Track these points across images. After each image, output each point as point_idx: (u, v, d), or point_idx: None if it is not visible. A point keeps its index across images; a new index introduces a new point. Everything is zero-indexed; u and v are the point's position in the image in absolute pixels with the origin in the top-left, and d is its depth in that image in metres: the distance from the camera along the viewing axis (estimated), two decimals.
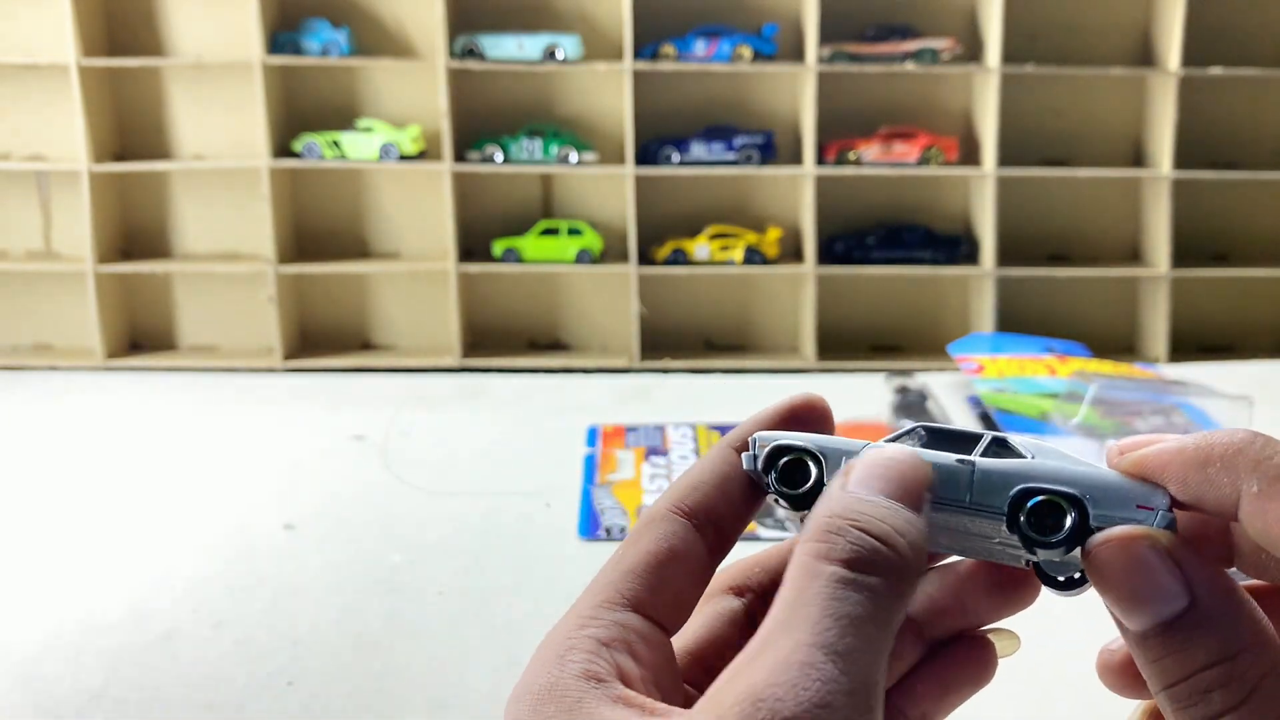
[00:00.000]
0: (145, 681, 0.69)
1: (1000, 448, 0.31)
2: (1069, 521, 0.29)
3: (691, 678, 0.31)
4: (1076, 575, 0.30)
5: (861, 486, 0.28)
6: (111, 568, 0.83)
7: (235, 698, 0.67)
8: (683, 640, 0.31)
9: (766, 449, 0.32)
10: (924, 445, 0.32)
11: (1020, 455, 0.31)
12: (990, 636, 0.33)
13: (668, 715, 0.25)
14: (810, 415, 0.33)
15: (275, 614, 0.76)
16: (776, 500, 0.32)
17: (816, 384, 1.56)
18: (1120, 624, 0.28)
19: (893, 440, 0.32)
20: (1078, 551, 0.29)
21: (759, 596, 0.33)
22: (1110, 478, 0.30)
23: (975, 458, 0.30)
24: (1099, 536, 0.28)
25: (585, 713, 0.26)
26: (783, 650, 0.24)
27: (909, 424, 0.34)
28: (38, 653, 0.72)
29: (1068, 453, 0.31)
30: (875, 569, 0.26)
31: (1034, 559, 0.30)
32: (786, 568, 0.27)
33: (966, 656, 0.33)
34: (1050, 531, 0.29)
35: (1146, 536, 0.28)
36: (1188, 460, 0.29)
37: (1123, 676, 0.31)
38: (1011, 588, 0.33)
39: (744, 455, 0.33)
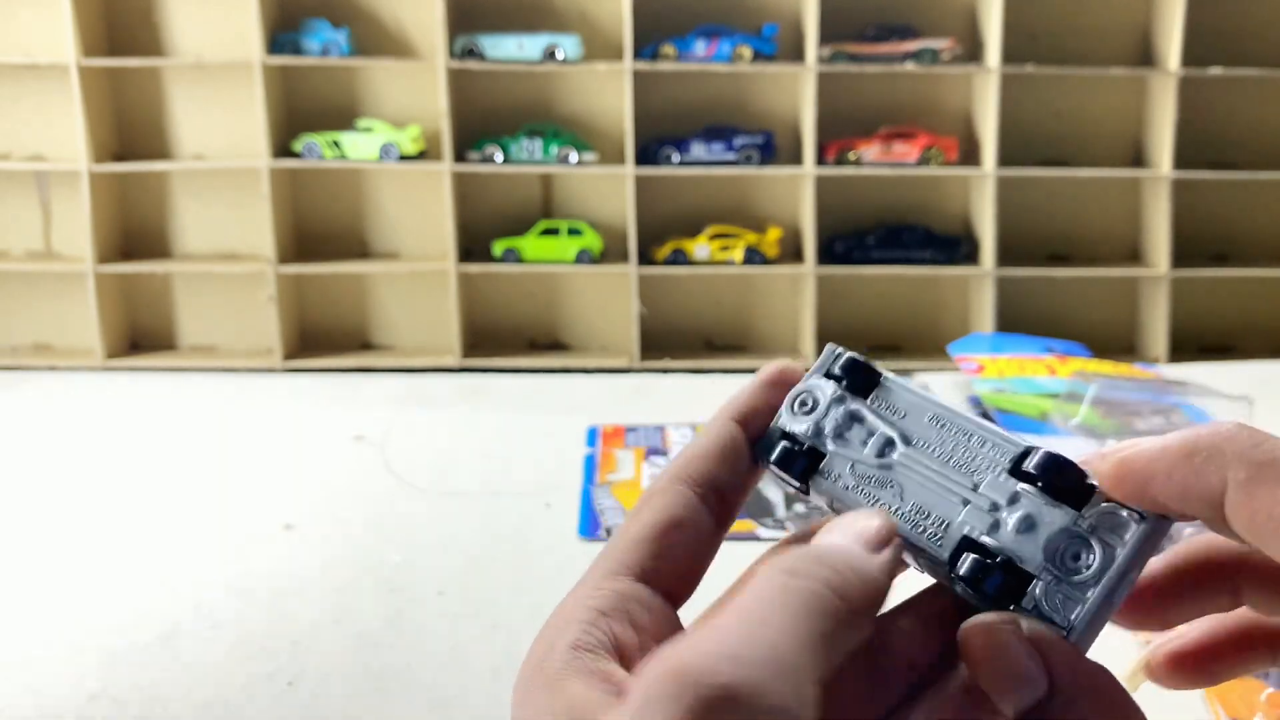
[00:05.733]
0: (145, 681, 0.69)
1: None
2: (996, 580, 0.29)
3: (646, 560, 0.31)
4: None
5: (830, 539, 0.29)
6: (111, 568, 0.83)
7: (235, 698, 0.67)
8: (638, 525, 0.32)
9: (779, 445, 0.34)
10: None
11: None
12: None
13: (623, 690, 0.26)
14: (789, 379, 0.35)
15: (275, 614, 0.76)
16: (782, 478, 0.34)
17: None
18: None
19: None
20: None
21: (701, 484, 0.33)
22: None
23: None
24: (967, 623, 0.28)
25: (560, 686, 0.26)
26: (718, 630, 0.25)
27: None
28: (38, 653, 0.72)
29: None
30: (829, 583, 0.26)
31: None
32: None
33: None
34: (982, 591, 0.30)
35: (1011, 622, 0.28)
36: (1173, 455, 0.28)
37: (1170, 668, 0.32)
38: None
39: (759, 445, 0.34)
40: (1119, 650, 0.33)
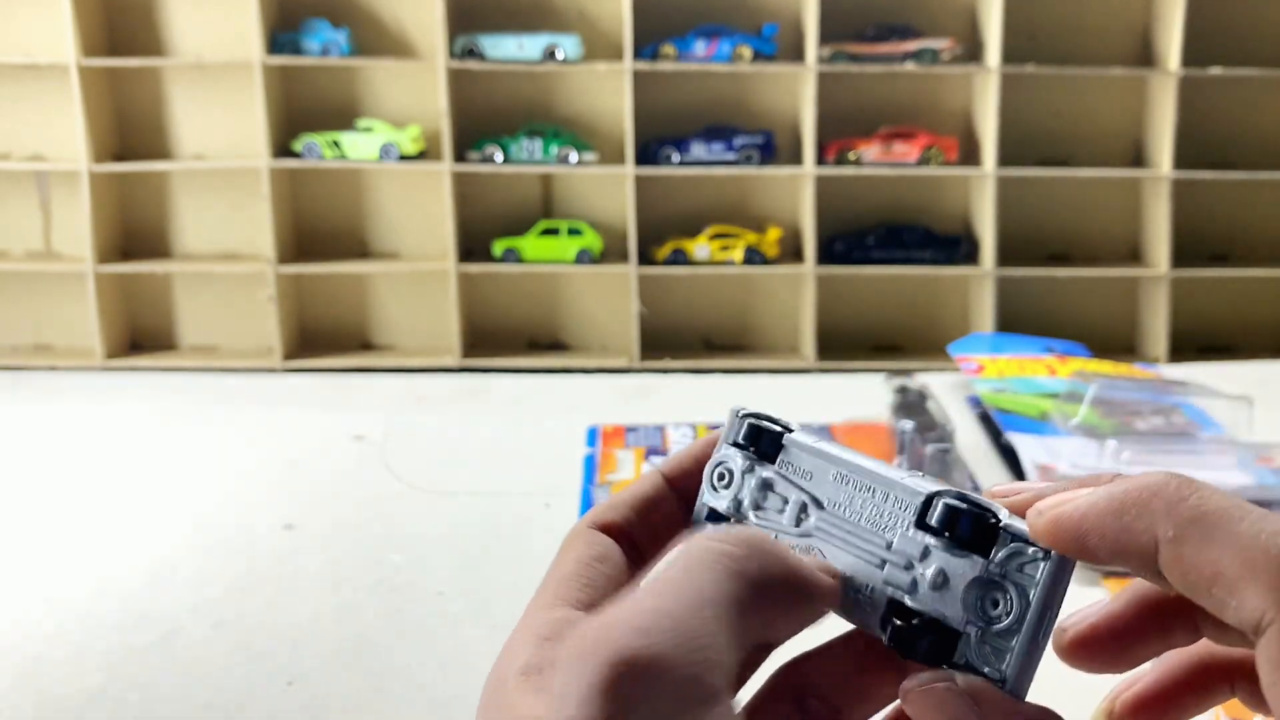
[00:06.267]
0: (145, 681, 0.69)
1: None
2: (925, 643, 0.30)
3: (577, 592, 0.32)
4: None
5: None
6: (111, 567, 0.83)
7: (235, 698, 0.67)
8: (563, 564, 0.33)
9: (705, 524, 0.35)
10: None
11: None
12: None
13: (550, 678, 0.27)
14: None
15: (275, 614, 0.76)
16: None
17: (816, 384, 1.56)
18: None
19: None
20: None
21: (614, 530, 0.34)
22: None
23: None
24: (906, 683, 0.29)
25: (507, 702, 0.28)
26: (629, 603, 0.26)
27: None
28: (38, 653, 0.72)
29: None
30: (740, 548, 0.28)
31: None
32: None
33: None
34: (914, 654, 0.30)
35: (948, 679, 0.29)
36: (1102, 511, 0.28)
37: (1086, 650, 0.31)
38: None
39: (692, 518, 0.35)
40: (1083, 691, 0.33)
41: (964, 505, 0.30)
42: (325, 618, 0.76)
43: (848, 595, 0.31)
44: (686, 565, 0.27)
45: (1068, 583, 0.29)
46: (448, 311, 2.96)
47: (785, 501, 0.33)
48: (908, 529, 0.31)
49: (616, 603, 0.27)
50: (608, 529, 0.33)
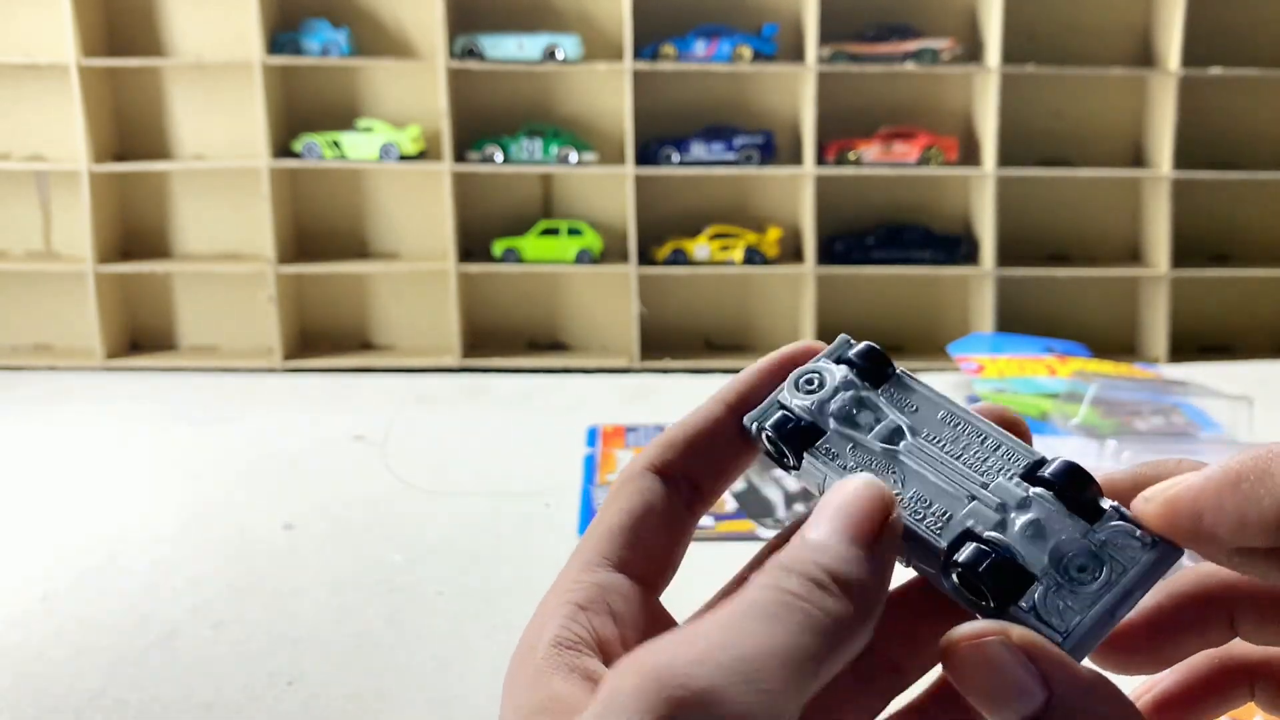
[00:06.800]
0: (145, 681, 0.69)
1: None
2: (996, 573, 0.28)
3: (621, 551, 0.30)
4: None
5: (820, 535, 0.27)
6: (111, 567, 0.83)
7: (235, 698, 0.67)
8: (610, 516, 0.31)
9: (775, 413, 0.32)
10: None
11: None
12: None
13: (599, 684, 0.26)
14: (798, 363, 0.33)
15: (275, 614, 0.76)
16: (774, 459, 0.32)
17: None
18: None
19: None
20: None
21: (672, 471, 0.32)
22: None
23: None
24: (950, 633, 0.27)
25: (543, 683, 0.26)
26: (697, 635, 0.25)
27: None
28: (38, 653, 0.72)
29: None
30: (820, 602, 0.26)
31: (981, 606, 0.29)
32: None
33: None
34: (979, 584, 0.28)
35: (1000, 632, 0.26)
36: (1218, 484, 0.27)
37: (1123, 645, 0.30)
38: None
39: (750, 415, 0.32)
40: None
41: (1086, 471, 0.29)
42: (325, 618, 0.76)
43: (915, 518, 0.29)
44: (768, 607, 0.25)
45: (1160, 578, 0.28)
46: (448, 311, 2.96)
47: (877, 421, 0.31)
48: (1011, 478, 0.29)
49: (689, 629, 0.25)
50: (664, 470, 0.31)
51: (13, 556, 0.86)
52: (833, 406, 0.31)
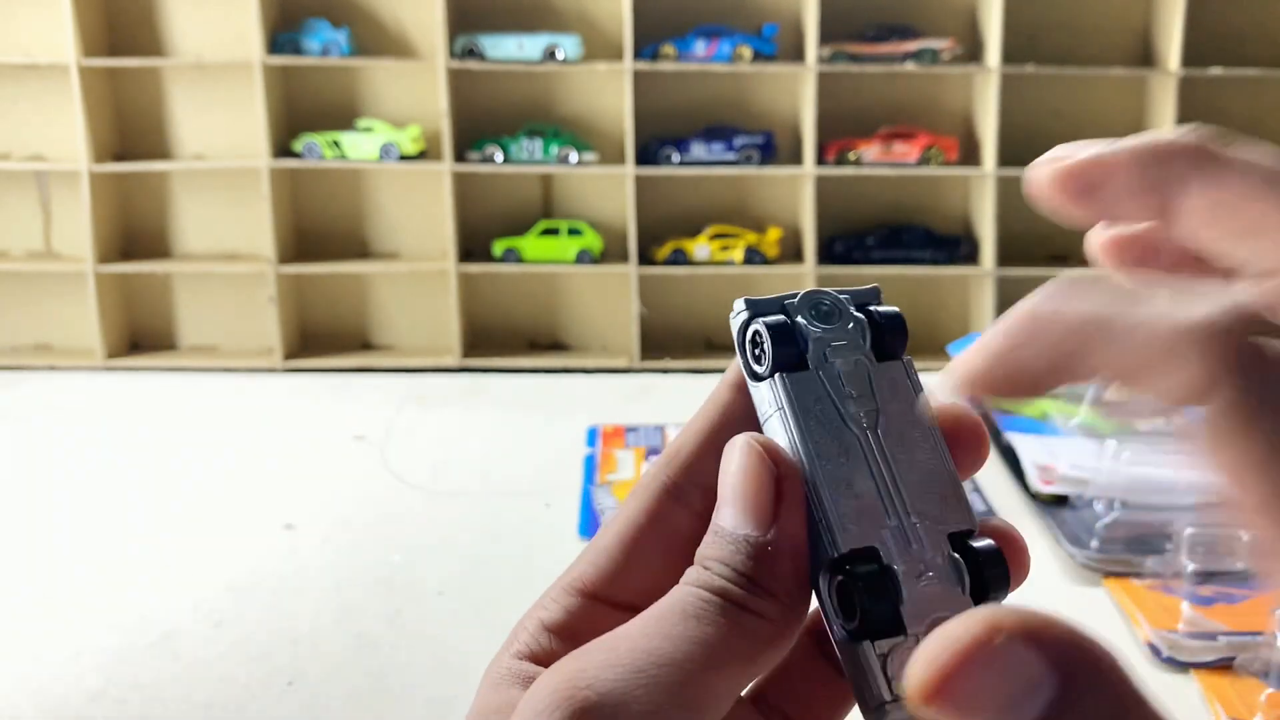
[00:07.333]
0: (145, 681, 0.69)
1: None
2: (877, 604, 0.26)
3: (614, 571, 0.30)
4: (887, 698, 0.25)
5: (727, 522, 0.27)
6: (111, 567, 0.83)
7: (235, 698, 0.67)
8: (611, 532, 0.30)
9: (771, 319, 0.29)
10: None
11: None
12: None
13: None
14: None
15: (275, 614, 0.76)
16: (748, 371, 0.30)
17: None
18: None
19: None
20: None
21: (682, 480, 0.30)
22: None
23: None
24: (932, 664, 0.21)
25: (501, 690, 0.28)
26: (615, 639, 0.25)
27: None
28: (38, 653, 0.72)
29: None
30: (738, 598, 0.26)
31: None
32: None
33: None
34: (850, 614, 0.26)
35: (992, 628, 0.21)
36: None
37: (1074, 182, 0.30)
38: None
39: (752, 301, 0.30)
40: None
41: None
42: (325, 618, 0.76)
43: (818, 505, 0.27)
44: (674, 602, 0.26)
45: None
46: (448, 311, 2.96)
47: (859, 395, 0.29)
48: (943, 530, 0.27)
49: (612, 634, 0.25)
50: (678, 478, 0.30)
51: (12, 556, 0.86)
52: (830, 350, 0.29)
